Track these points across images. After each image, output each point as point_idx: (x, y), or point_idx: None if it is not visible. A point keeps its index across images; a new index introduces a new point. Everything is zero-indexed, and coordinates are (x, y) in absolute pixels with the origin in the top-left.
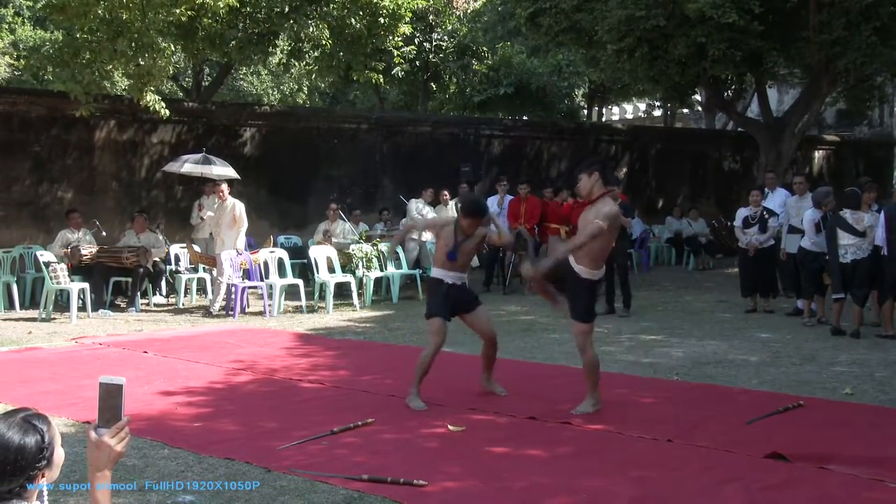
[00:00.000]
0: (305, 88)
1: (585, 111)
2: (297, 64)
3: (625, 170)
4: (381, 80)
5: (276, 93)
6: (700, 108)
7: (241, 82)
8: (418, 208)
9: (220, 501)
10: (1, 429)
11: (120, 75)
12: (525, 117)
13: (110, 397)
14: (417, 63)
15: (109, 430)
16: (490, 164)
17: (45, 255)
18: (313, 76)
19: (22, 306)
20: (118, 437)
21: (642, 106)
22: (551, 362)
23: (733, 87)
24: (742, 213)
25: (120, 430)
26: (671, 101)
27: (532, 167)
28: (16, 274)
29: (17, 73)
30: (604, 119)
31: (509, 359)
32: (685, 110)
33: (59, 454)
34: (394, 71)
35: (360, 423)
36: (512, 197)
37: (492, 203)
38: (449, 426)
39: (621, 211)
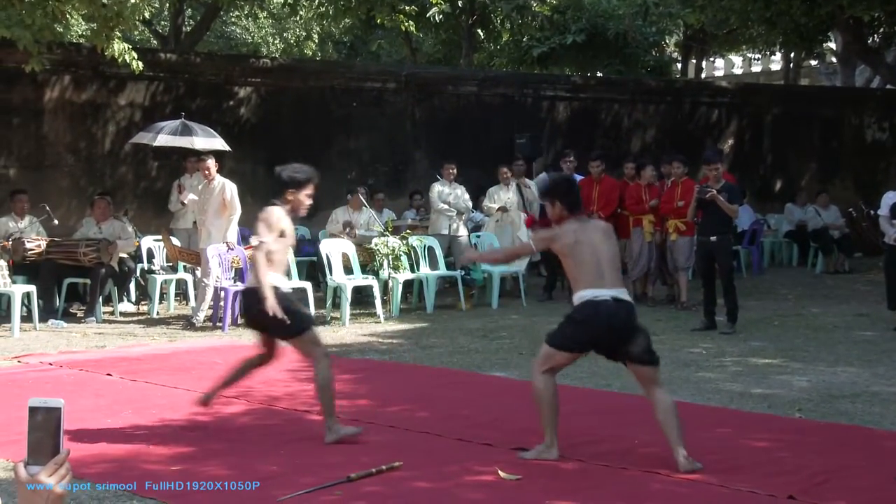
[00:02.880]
0: (316, 36)
1: (679, 65)
2: (305, 5)
3: (731, 141)
4: (413, 26)
5: (278, 41)
6: (834, 60)
7: (234, 27)
8: (441, 193)
9: None
10: None
11: (77, 18)
12: (599, 74)
13: (44, 425)
14: (460, 4)
15: (44, 466)
16: (553, 135)
17: None
18: (326, 20)
19: None
20: (57, 474)
21: (755, 57)
22: (630, 391)
23: (881, 29)
24: (890, 198)
25: (58, 466)
26: (794, 50)
27: (608, 138)
28: None
29: None
30: (703, 75)
31: (575, 386)
32: (814, 62)
33: None
34: (429, 14)
35: (384, 467)
36: (582, 177)
37: None
38: (500, 472)
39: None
